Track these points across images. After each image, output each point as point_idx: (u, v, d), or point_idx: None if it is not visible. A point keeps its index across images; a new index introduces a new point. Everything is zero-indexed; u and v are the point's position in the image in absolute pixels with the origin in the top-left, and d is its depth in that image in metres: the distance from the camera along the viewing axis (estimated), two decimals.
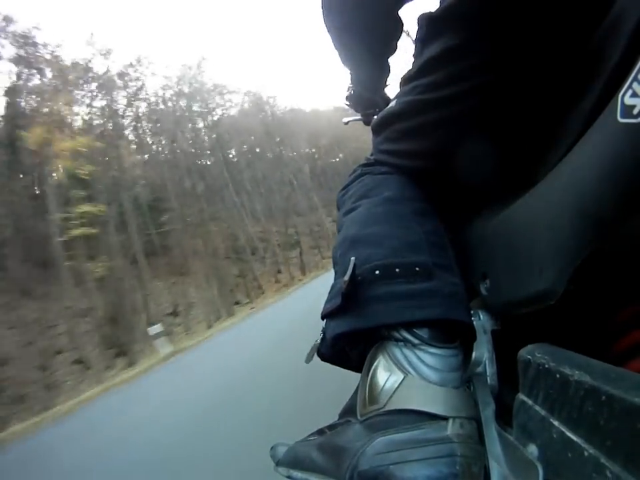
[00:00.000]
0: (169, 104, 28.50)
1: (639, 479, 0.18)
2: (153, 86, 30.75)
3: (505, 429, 0.38)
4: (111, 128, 23.78)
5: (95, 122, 23.01)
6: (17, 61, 20.04)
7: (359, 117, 1.04)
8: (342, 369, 0.54)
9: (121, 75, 25.11)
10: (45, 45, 20.80)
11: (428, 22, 0.46)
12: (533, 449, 0.29)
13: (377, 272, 0.43)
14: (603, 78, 0.30)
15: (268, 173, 32.19)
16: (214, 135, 30.73)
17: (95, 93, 23.23)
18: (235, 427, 2.27)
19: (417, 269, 0.43)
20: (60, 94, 20.57)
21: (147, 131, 27.53)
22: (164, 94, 28.38)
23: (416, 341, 0.42)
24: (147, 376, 8.26)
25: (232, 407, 2.79)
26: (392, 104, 0.55)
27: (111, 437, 3.35)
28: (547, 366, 0.28)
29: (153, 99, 27.46)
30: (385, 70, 0.87)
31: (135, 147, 26.82)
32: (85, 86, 22.88)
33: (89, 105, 22.80)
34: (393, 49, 0.80)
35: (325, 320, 0.48)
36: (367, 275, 0.44)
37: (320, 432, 0.49)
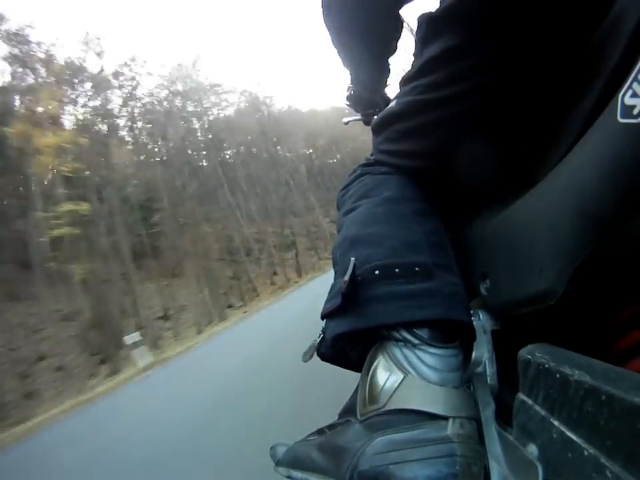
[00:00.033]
0: (165, 103, 28.33)
1: (639, 478, 0.18)
2: (147, 85, 30.54)
3: (505, 429, 0.38)
4: (101, 125, 23.53)
5: (83, 119, 22.63)
6: (9, 59, 19.79)
7: (358, 117, 1.04)
8: (342, 369, 0.54)
9: (115, 74, 24.96)
10: (38, 44, 20.58)
11: (428, 22, 0.46)
12: (532, 449, 0.29)
13: (377, 272, 0.43)
14: (603, 78, 0.30)
15: (264, 172, 31.87)
16: (209, 135, 30.48)
17: (84, 91, 23.03)
18: (222, 444, 2.12)
19: (417, 269, 0.43)
20: (47, 90, 20.12)
21: (142, 130, 27.29)
22: (159, 93, 28.24)
23: (416, 341, 0.42)
24: (124, 388, 7.40)
25: (216, 424, 2.53)
26: (392, 104, 0.55)
27: (83, 455, 3.03)
28: (547, 366, 0.28)
29: (147, 99, 27.33)
30: (385, 70, 0.87)
31: (129, 147, 26.53)
32: (78, 84, 22.70)
33: (76, 102, 22.49)
34: (393, 49, 0.80)
35: (324, 320, 0.48)
36: (367, 275, 0.44)
37: (320, 432, 0.49)
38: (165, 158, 27.18)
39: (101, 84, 23.63)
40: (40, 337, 15.66)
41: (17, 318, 15.55)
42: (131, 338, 10.19)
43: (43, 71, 20.87)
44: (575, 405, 0.24)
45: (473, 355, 0.45)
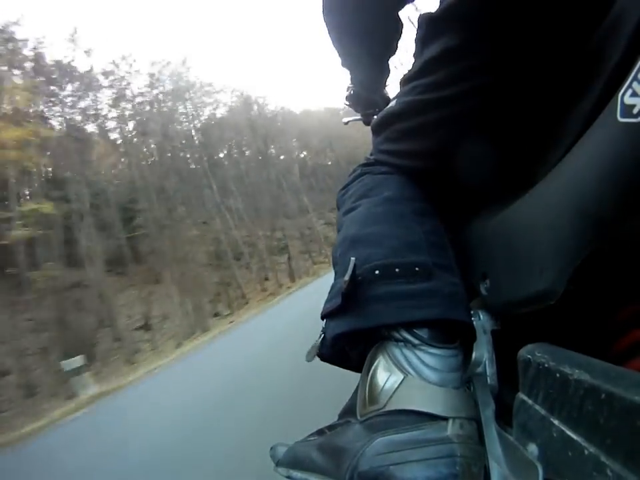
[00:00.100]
0: (154, 103, 27.88)
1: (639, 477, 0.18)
2: (137, 84, 29.86)
3: (505, 429, 0.38)
4: (85, 124, 22.90)
5: (69, 117, 22.11)
6: None
7: (358, 116, 1.04)
8: (342, 369, 0.53)
9: (105, 73, 24.68)
10: (24, 41, 20.07)
11: (428, 22, 0.47)
12: (533, 448, 0.29)
13: (377, 272, 0.43)
14: (603, 78, 0.30)
15: (255, 173, 31.22)
16: (199, 134, 29.94)
17: (73, 91, 22.62)
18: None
19: (417, 268, 0.43)
20: (14, 81, 19.07)
21: (129, 130, 26.70)
22: (149, 92, 27.77)
23: (416, 341, 0.42)
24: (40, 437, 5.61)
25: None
26: (392, 104, 0.55)
27: None
28: (546, 365, 0.28)
29: (136, 98, 26.85)
30: (385, 71, 0.87)
31: (115, 146, 25.76)
32: (66, 83, 22.24)
33: (62, 101, 21.96)
34: (393, 50, 0.80)
35: (324, 320, 0.48)
36: (367, 274, 0.44)
37: (320, 432, 0.49)
38: (153, 159, 26.59)
39: (90, 83, 23.27)
40: (2, 350, 13.33)
41: None
42: (68, 364, 7.82)
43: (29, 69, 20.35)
44: (575, 404, 0.24)
45: (473, 355, 0.45)
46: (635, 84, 0.23)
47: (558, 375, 0.26)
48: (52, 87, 21.72)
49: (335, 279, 0.50)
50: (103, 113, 24.88)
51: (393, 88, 0.86)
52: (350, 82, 0.92)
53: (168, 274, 21.19)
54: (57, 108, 22.03)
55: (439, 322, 0.42)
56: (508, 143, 0.45)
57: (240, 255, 26.21)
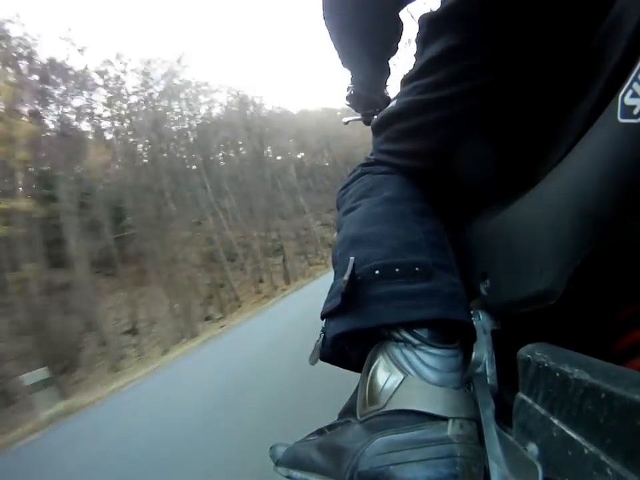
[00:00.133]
0: (149, 102, 27.52)
1: None
2: (131, 82, 29.24)
3: (505, 429, 0.38)
4: (79, 123, 22.46)
5: (62, 116, 21.71)
6: None
7: (359, 116, 1.04)
8: (342, 369, 0.54)
9: (100, 72, 24.44)
10: (19, 39, 19.74)
11: (429, 22, 0.47)
12: (533, 448, 0.29)
13: (377, 272, 0.43)
14: (603, 78, 0.30)
15: (250, 173, 30.59)
16: (194, 134, 29.45)
17: (67, 89, 22.28)
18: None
19: (417, 268, 0.43)
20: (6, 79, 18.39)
21: (124, 128, 26.21)
22: (143, 91, 27.37)
23: (416, 341, 0.42)
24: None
25: None
26: (392, 104, 0.55)
27: None
28: (546, 365, 0.28)
29: (132, 98, 26.56)
30: (385, 71, 0.87)
31: (110, 145, 25.16)
32: (62, 83, 21.92)
33: (57, 100, 21.69)
34: (393, 51, 0.80)
35: (324, 320, 0.48)
36: (367, 274, 0.44)
37: (319, 432, 0.49)
38: (146, 158, 26.14)
39: (84, 82, 22.99)
40: None
41: None
42: (32, 376, 6.83)
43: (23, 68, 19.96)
44: (575, 403, 0.24)
45: (473, 355, 0.45)
46: (635, 84, 0.23)
47: (558, 374, 0.26)
48: (45, 85, 21.42)
49: (335, 279, 0.50)
50: (97, 111, 24.72)
51: (393, 88, 0.86)
52: (350, 82, 0.92)
53: (159, 275, 20.47)
54: (50, 107, 21.84)
55: (439, 322, 0.42)
56: (508, 142, 0.45)
57: (234, 256, 25.50)
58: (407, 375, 0.40)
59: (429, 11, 0.47)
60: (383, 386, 0.41)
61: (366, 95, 0.93)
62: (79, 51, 23.18)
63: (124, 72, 26.00)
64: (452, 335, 0.43)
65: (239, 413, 2.52)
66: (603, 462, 0.20)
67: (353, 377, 0.50)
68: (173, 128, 29.46)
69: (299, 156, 38.81)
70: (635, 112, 0.22)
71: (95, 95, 24.47)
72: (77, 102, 23.17)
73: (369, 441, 0.38)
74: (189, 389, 4.32)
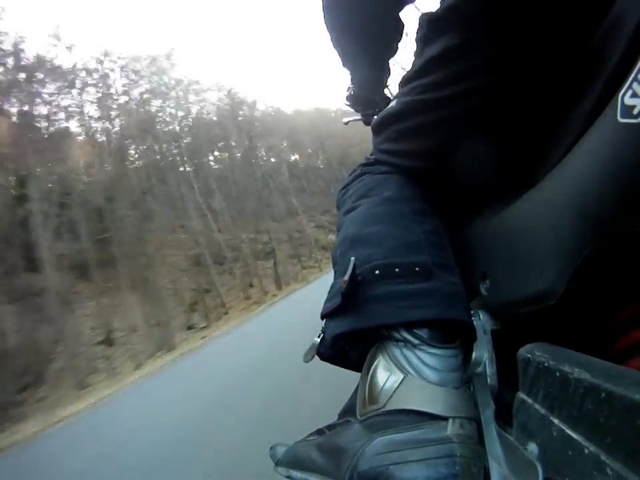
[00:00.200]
0: (139, 101, 26.95)
1: None
2: (120, 80, 28.09)
3: (505, 429, 0.38)
4: (64, 122, 21.83)
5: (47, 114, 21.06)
6: None
7: (358, 117, 1.04)
8: (342, 369, 0.53)
9: (88, 70, 23.96)
10: (4, 34, 19.22)
11: (429, 22, 0.47)
12: (533, 448, 0.29)
13: (377, 272, 0.43)
14: (603, 78, 0.30)
15: (241, 173, 29.74)
16: (184, 133, 28.85)
17: (55, 89, 21.77)
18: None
19: (417, 268, 0.43)
20: None
21: (111, 127, 25.49)
22: (132, 89, 26.80)
23: (416, 341, 0.42)
24: None
25: None
26: (392, 104, 0.55)
27: None
28: (546, 364, 0.28)
29: (121, 97, 25.99)
30: (385, 71, 0.87)
31: (96, 144, 24.29)
32: (50, 82, 21.41)
33: (44, 99, 21.19)
34: (393, 51, 0.80)
35: (324, 320, 0.48)
36: (367, 274, 0.44)
37: (319, 432, 0.49)
38: (133, 158, 25.56)
39: (73, 80, 22.55)
40: None
41: None
42: None
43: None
44: (575, 403, 0.24)
45: (473, 355, 0.45)
46: (635, 84, 0.23)
47: (558, 374, 0.26)
48: (31, 83, 20.84)
49: (335, 279, 0.50)
50: (84, 110, 24.14)
51: (393, 88, 0.86)
52: (350, 82, 0.92)
53: (141, 281, 19.08)
54: (37, 106, 21.25)
55: (439, 322, 0.42)
56: (508, 142, 0.45)
57: (223, 260, 23.87)
58: (406, 375, 0.40)
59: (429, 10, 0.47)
60: (383, 386, 0.41)
61: (366, 95, 0.93)
62: (67, 48, 22.75)
63: (112, 70, 25.63)
64: (452, 334, 0.43)
65: (212, 440, 2.23)
66: (603, 462, 0.20)
67: (353, 377, 0.50)
68: (162, 127, 28.72)
69: (294, 157, 38.59)
70: (635, 112, 0.22)
71: (82, 93, 23.97)
72: (64, 101, 22.76)
73: (368, 441, 0.38)
74: (154, 414, 3.74)
